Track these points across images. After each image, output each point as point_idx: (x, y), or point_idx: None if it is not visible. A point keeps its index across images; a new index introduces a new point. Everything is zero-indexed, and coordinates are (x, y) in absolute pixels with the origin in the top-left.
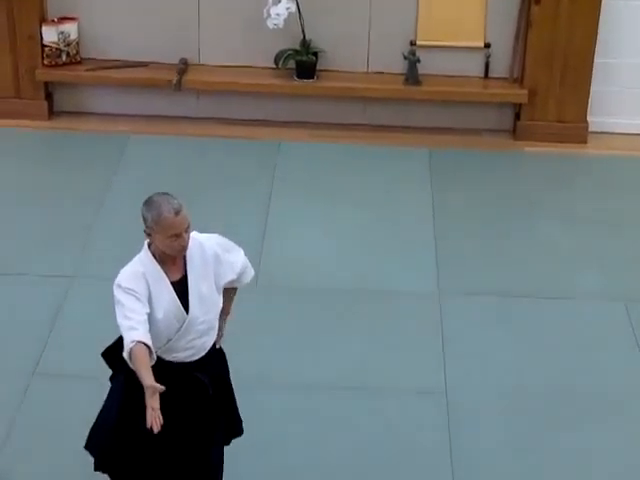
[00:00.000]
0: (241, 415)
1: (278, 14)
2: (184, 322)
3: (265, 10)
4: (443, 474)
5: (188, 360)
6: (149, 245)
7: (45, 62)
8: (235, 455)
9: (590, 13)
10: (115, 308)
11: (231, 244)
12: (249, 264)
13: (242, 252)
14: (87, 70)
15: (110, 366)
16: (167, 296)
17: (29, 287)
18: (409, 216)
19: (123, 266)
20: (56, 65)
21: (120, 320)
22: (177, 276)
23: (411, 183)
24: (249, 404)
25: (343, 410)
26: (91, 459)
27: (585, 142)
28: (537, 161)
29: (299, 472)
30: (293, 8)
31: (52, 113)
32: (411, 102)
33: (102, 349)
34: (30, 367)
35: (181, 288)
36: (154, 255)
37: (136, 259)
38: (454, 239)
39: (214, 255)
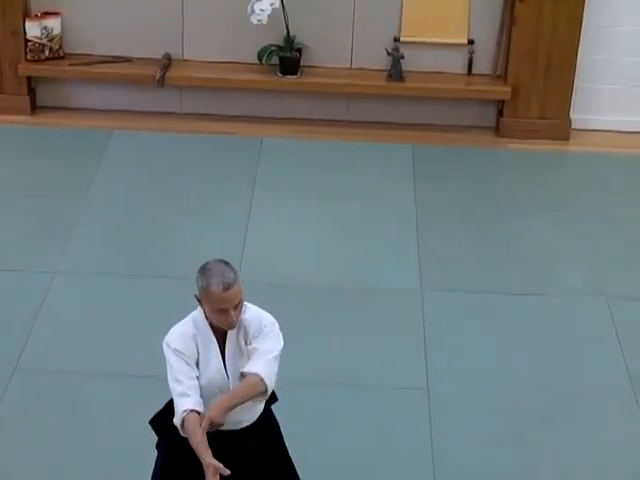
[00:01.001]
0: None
1: (262, 10)
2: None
3: (249, 6)
4: (424, 470)
5: (234, 428)
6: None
7: (28, 57)
8: None
9: (574, 10)
10: (166, 366)
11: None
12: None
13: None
14: (70, 65)
15: (157, 433)
16: (214, 365)
17: (11, 282)
18: (391, 212)
19: (106, 262)
20: (39, 60)
21: (171, 383)
22: (220, 345)
23: (394, 179)
24: None
25: (324, 407)
26: (73, 457)
27: (568, 139)
28: (520, 158)
29: None
30: (277, 4)
31: (35, 108)
32: (394, 98)
33: (86, 345)
34: (12, 363)
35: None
36: (207, 317)
37: (189, 317)
38: (436, 236)
39: (244, 327)
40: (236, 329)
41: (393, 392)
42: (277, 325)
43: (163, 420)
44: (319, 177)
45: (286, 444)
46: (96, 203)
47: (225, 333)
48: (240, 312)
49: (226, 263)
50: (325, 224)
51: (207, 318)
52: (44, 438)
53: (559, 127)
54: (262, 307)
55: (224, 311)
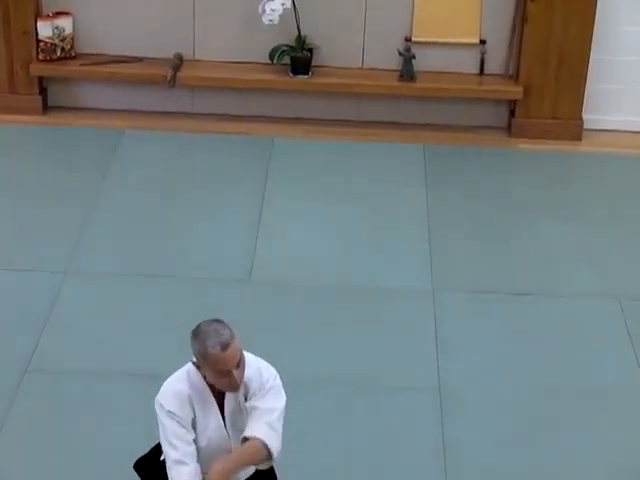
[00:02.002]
0: None
1: (273, 10)
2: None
3: (260, 6)
4: (436, 471)
5: None
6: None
7: (40, 57)
8: None
9: (586, 10)
10: (158, 424)
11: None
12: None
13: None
14: (81, 65)
15: (143, 478)
16: (214, 425)
17: (22, 282)
18: (403, 212)
19: (117, 262)
20: (51, 60)
21: (164, 446)
22: (219, 403)
23: (405, 180)
24: None
25: (335, 407)
26: (84, 457)
27: (580, 139)
28: (531, 158)
29: (290, 470)
30: (288, 4)
31: (46, 108)
32: (406, 98)
33: (97, 345)
34: (23, 363)
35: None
36: (204, 377)
37: (184, 373)
38: (448, 236)
39: (244, 384)
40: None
41: (404, 392)
42: (278, 378)
43: (150, 470)
44: (330, 177)
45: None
46: (107, 203)
47: (220, 392)
48: (243, 371)
49: (219, 321)
50: (336, 224)
51: (205, 379)
52: (55, 438)
53: (571, 127)
54: (273, 307)
55: (227, 372)
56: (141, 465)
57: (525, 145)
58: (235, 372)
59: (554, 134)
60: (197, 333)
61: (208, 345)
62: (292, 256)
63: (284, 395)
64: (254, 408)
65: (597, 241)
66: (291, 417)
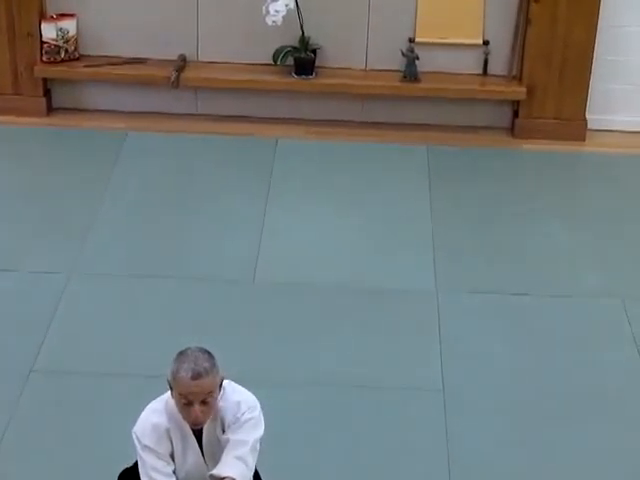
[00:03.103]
0: None
1: (277, 11)
2: None
3: (264, 7)
4: (440, 472)
5: None
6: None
7: (44, 59)
8: None
9: (590, 10)
10: (136, 454)
11: (255, 421)
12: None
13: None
14: (85, 67)
15: None
16: (192, 459)
17: (27, 284)
18: (406, 213)
19: (121, 263)
20: (55, 62)
21: (143, 479)
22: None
23: (409, 180)
24: None
25: (339, 408)
26: (88, 457)
27: (584, 139)
28: (535, 158)
29: (294, 470)
30: (292, 5)
31: (50, 110)
32: (409, 99)
33: (101, 346)
34: (28, 364)
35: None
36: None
37: (162, 403)
38: (452, 237)
39: (220, 418)
40: (211, 419)
41: (408, 393)
42: (258, 408)
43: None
44: (334, 178)
45: None
46: (111, 204)
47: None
48: (209, 410)
49: (206, 352)
50: (340, 225)
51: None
52: (60, 438)
53: (575, 127)
54: (277, 308)
55: (188, 403)
56: (126, 477)
57: (528, 146)
58: (197, 407)
59: (558, 135)
60: (180, 353)
61: (181, 368)
62: (296, 257)
63: (262, 426)
64: (227, 441)
65: (601, 241)
66: (294, 418)
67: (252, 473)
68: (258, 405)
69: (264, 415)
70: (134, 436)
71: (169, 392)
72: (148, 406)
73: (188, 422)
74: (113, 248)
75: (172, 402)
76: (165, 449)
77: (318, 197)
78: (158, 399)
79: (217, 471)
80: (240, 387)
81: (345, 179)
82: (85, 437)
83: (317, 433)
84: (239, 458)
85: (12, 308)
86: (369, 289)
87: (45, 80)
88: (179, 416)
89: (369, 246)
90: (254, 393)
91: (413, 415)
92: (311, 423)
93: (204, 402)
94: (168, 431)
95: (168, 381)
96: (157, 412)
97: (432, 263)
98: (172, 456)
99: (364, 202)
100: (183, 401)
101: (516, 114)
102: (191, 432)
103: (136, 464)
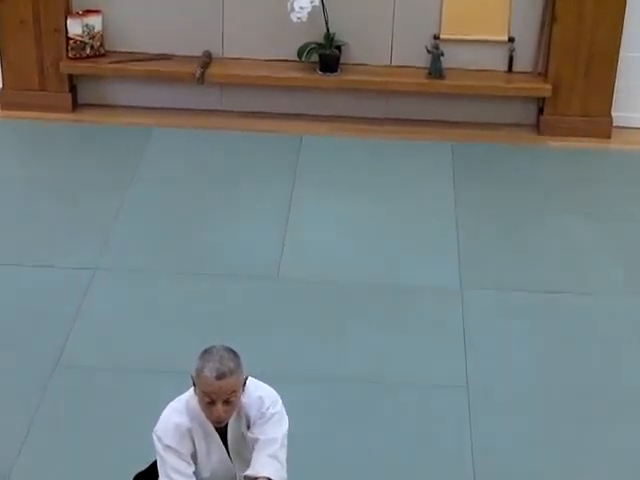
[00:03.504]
0: None
1: (302, 7)
2: None
3: (289, 3)
4: (464, 469)
5: None
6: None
7: (70, 55)
8: None
9: (616, 7)
10: (156, 454)
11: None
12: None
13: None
14: (111, 63)
15: None
16: (217, 457)
17: (52, 279)
18: (431, 211)
19: (146, 259)
20: (80, 58)
21: (162, 479)
22: (222, 433)
23: (433, 177)
24: None
25: (362, 403)
26: (112, 453)
27: (609, 137)
28: (560, 156)
29: (317, 467)
30: (317, 1)
31: (76, 106)
32: (434, 96)
33: (126, 341)
34: (53, 359)
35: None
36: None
37: (182, 403)
38: (476, 234)
39: (245, 415)
40: (235, 417)
41: (433, 390)
42: (280, 402)
43: None
44: (358, 175)
45: None
46: (136, 200)
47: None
48: (231, 409)
49: (231, 352)
50: (364, 222)
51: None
52: (84, 433)
53: (600, 125)
54: (300, 303)
55: (211, 402)
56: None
57: (554, 143)
58: (220, 406)
59: (583, 132)
60: (205, 351)
61: (205, 367)
62: (320, 253)
63: (286, 420)
64: (256, 440)
65: (627, 239)
66: (318, 414)
67: (285, 470)
68: (279, 399)
69: (287, 410)
70: (155, 436)
71: (190, 391)
72: (169, 406)
73: (210, 420)
74: (138, 244)
75: (193, 401)
76: (187, 449)
77: (342, 194)
78: (179, 399)
79: (252, 471)
80: (261, 382)
81: (370, 176)
82: (109, 432)
83: (339, 430)
84: (272, 456)
85: (37, 304)
86: (393, 286)
87: (71, 76)
88: (201, 415)
89: (393, 243)
90: (276, 389)
91: (437, 413)
92: (333, 420)
93: (227, 401)
94: (190, 431)
95: (192, 377)
96: (178, 412)
97: (457, 260)
98: (194, 456)
99: (388, 199)
100: (206, 399)
101: (541, 111)
102: (214, 430)
103: (150, 468)
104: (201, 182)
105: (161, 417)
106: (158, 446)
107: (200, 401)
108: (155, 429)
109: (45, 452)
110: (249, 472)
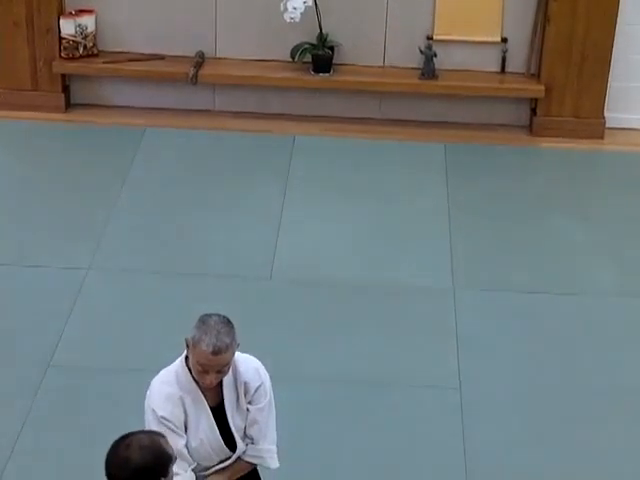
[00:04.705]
0: None
1: (295, 8)
2: (228, 456)
3: (282, 4)
4: (456, 469)
5: None
6: (186, 357)
7: (62, 54)
8: None
9: (608, 8)
10: (146, 425)
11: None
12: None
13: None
14: (104, 63)
15: None
16: (205, 425)
17: (45, 279)
18: (424, 211)
19: (138, 259)
20: (73, 57)
21: None
22: (213, 402)
23: (426, 178)
24: None
25: (356, 404)
26: (104, 453)
27: (602, 138)
28: (553, 156)
29: (310, 466)
30: (310, 2)
31: (69, 105)
32: (427, 97)
33: (118, 341)
34: (45, 358)
35: (217, 416)
36: (190, 370)
37: (172, 374)
38: (469, 234)
39: (244, 383)
40: (233, 382)
41: (425, 391)
42: (268, 377)
43: None
44: (351, 175)
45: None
46: (129, 200)
47: (214, 388)
48: (222, 377)
49: (228, 324)
50: (357, 222)
51: (191, 372)
52: (77, 432)
53: (593, 126)
54: (294, 304)
55: (204, 371)
56: None
57: (547, 144)
58: (213, 374)
59: (576, 133)
60: (204, 322)
61: (202, 340)
62: (313, 254)
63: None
64: (255, 422)
65: (618, 240)
66: (310, 414)
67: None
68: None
69: (281, 410)
70: (148, 410)
71: (177, 362)
72: (157, 379)
73: (200, 381)
74: (130, 244)
75: (182, 372)
76: (178, 419)
77: (335, 194)
78: (166, 370)
79: (258, 460)
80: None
81: (362, 176)
82: (102, 431)
83: (333, 430)
84: (273, 440)
85: (31, 303)
86: (386, 286)
87: (64, 76)
88: (190, 384)
89: (386, 243)
90: None
91: (429, 413)
92: (327, 420)
93: (219, 371)
94: (182, 399)
95: (186, 341)
96: (168, 383)
97: (449, 261)
98: (185, 425)
99: (381, 199)
100: (199, 368)
101: (534, 112)
102: (203, 398)
103: None
104: (193, 182)
105: (151, 391)
106: (151, 419)
107: (193, 366)
108: (147, 402)
109: (38, 452)
110: (256, 461)
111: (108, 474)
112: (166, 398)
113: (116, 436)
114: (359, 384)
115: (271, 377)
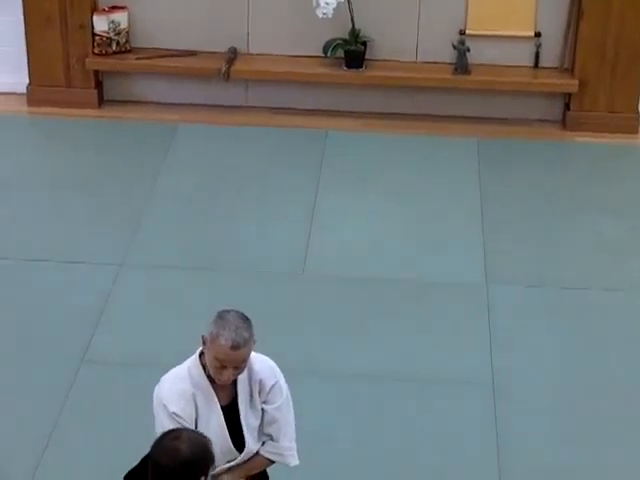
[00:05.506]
0: None
1: (327, 3)
2: (234, 457)
3: None
4: (490, 466)
5: None
6: (201, 354)
7: (95, 51)
8: None
9: None
10: (156, 421)
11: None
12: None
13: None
14: (137, 59)
15: None
16: (215, 424)
17: (79, 274)
18: (457, 206)
19: (171, 255)
20: (106, 54)
21: None
22: (226, 400)
23: (459, 173)
24: (293, 393)
25: (387, 400)
26: (137, 449)
27: (636, 132)
28: (587, 151)
29: (345, 462)
30: None
31: (102, 102)
32: (460, 92)
33: (151, 337)
34: (79, 354)
35: (229, 415)
36: (204, 367)
37: (185, 371)
38: (502, 230)
39: (259, 381)
40: (248, 380)
41: (458, 388)
42: (282, 376)
43: (140, 479)
44: (384, 170)
45: None
46: (162, 196)
47: (227, 386)
48: (240, 373)
49: (246, 320)
50: (389, 217)
51: (204, 369)
52: (110, 430)
53: (627, 120)
54: (326, 300)
55: (222, 367)
56: (132, 477)
57: (580, 138)
58: (230, 370)
59: (610, 127)
60: (221, 317)
61: (222, 335)
62: (345, 249)
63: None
64: (274, 420)
65: None
66: (342, 410)
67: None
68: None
69: (312, 406)
70: (159, 405)
71: (191, 359)
72: (169, 375)
73: (217, 380)
74: (163, 240)
75: (195, 370)
76: (190, 416)
77: (368, 189)
78: (179, 367)
79: (279, 459)
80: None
81: (395, 172)
82: (135, 427)
83: (364, 426)
84: (292, 439)
85: (65, 299)
86: (418, 282)
87: (97, 72)
88: (203, 382)
89: (419, 239)
90: (300, 386)
91: (462, 410)
92: (358, 415)
93: (237, 367)
94: (194, 396)
95: (203, 338)
96: (180, 379)
97: (482, 256)
98: (195, 422)
99: (414, 195)
100: (217, 364)
101: (568, 107)
102: (214, 395)
103: (141, 464)
104: (226, 178)
105: (163, 387)
106: (162, 415)
107: (210, 362)
108: (159, 397)
109: (71, 447)
110: (277, 459)
111: (154, 464)
112: (178, 394)
113: (148, 431)
114: (391, 380)
115: (302, 372)
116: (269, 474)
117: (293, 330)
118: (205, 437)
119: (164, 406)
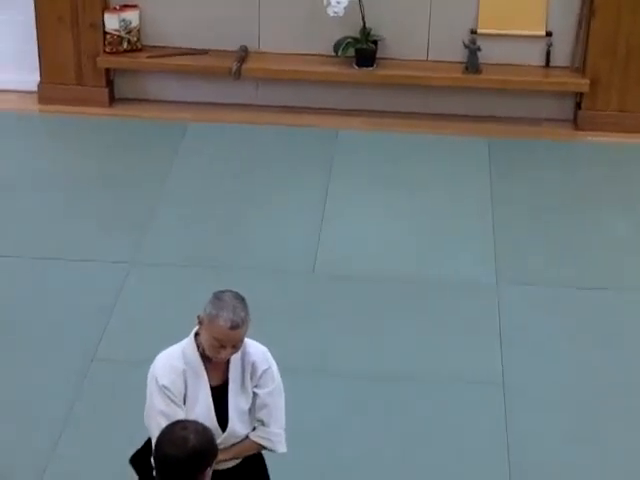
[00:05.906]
0: (298, 402)
1: (338, 2)
2: (219, 437)
3: None
4: (500, 465)
5: (218, 468)
6: (196, 334)
7: (106, 49)
8: (293, 443)
9: None
10: (147, 397)
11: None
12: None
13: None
14: (148, 57)
15: (138, 473)
16: (203, 402)
17: (89, 272)
18: (468, 205)
19: (182, 253)
20: (117, 52)
21: (150, 423)
22: (217, 381)
23: (470, 172)
24: (305, 391)
25: (398, 399)
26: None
27: None
28: (598, 151)
29: (356, 461)
30: None
31: (113, 100)
32: (471, 91)
33: (162, 335)
34: (89, 352)
35: (219, 396)
36: (198, 347)
37: (179, 348)
38: (513, 229)
39: (252, 363)
40: (240, 362)
41: (468, 386)
42: (274, 363)
43: (145, 461)
44: (394, 169)
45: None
46: (173, 194)
47: (220, 367)
48: (236, 352)
49: (242, 300)
50: (400, 217)
51: (198, 349)
52: (121, 428)
53: (638, 120)
54: (337, 298)
55: (220, 346)
56: (137, 459)
57: (591, 138)
58: (229, 349)
59: (621, 127)
60: (218, 298)
61: (220, 316)
62: (355, 248)
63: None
64: (265, 405)
65: None
66: (352, 409)
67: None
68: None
69: (323, 404)
70: (150, 378)
71: (186, 341)
72: (164, 352)
73: (212, 356)
74: (174, 238)
75: (190, 348)
76: (179, 390)
77: (378, 189)
78: (175, 346)
79: (268, 444)
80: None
81: (405, 171)
82: (144, 426)
83: (375, 425)
84: (282, 425)
85: (75, 297)
86: (429, 281)
87: (108, 71)
88: (196, 360)
89: (429, 238)
90: (312, 383)
91: (472, 409)
92: (369, 414)
93: (234, 346)
94: (184, 372)
95: (199, 318)
96: (174, 357)
97: (493, 256)
98: (184, 398)
99: (425, 194)
100: (215, 344)
101: (579, 106)
102: (204, 373)
103: (145, 446)
104: (236, 176)
105: (157, 362)
106: (153, 386)
107: (207, 340)
108: (151, 371)
109: (81, 444)
110: (266, 444)
111: (161, 455)
112: (170, 369)
113: None
114: (401, 379)
115: (313, 370)
116: (269, 475)
117: (304, 328)
118: (209, 428)
119: (155, 379)
